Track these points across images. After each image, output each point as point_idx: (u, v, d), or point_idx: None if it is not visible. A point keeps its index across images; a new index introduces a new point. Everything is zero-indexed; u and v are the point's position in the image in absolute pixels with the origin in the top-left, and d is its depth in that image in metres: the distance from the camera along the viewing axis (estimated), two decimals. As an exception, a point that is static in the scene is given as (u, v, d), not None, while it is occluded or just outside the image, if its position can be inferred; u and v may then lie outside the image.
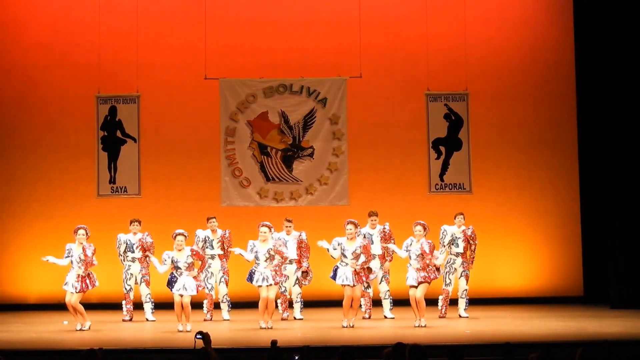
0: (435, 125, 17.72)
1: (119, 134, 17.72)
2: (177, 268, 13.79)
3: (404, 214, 16.82)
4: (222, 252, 15.18)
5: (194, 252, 13.93)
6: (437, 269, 14.07)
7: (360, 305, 14.88)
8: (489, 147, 18.27)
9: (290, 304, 15.16)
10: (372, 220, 14.96)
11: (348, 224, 13.98)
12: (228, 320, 15.06)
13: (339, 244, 13.90)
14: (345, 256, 13.94)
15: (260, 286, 13.74)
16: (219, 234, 15.24)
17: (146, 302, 15.31)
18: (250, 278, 13.93)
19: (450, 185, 17.66)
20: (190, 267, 13.82)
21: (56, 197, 17.80)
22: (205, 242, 15.18)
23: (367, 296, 15.08)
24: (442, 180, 17.69)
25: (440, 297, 15.22)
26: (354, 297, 13.77)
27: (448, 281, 15.13)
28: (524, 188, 18.23)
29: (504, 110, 18.32)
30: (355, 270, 13.78)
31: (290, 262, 14.87)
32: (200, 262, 14.03)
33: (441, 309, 15.10)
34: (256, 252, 13.81)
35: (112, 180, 17.52)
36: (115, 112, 17.67)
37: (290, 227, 15.06)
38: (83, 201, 17.68)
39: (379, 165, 18.18)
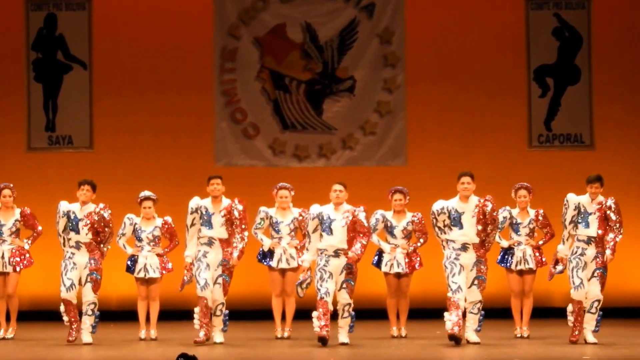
0: (539, 46, 16.27)
1: (60, 56, 16.28)
2: (138, 240, 13.10)
3: (491, 179, 14.57)
4: (226, 237, 12.82)
5: (167, 227, 13.04)
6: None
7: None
8: (621, 79, 16.37)
9: (334, 317, 12.96)
10: (463, 184, 12.26)
11: (395, 192, 13.28)
12: (222, 343, 12.93)
13: (383, 219, 13.19)
14: (393, 235, 13.16)
15: (283, 269, 13.09)
16: (224, 204, 12.87)
17: (88, 314, 12.79)
18: (265, 257, 13.21)
19: (562, 137, 16.18)
20: (156, 243, 13.14)
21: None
22: (203, 215, 12.85)
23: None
24: (549, 129, 16.17)
25: (569, 310, 12.25)
26: (402, 291, 13.07)
27: (578, 282, 12.05)
28: (674, 141, 16.88)
29: (646, 23, 17.06)
30: (407, 253, 13.05)
31: (336, 253, 12.79)
32: (170, 242, 13.26)
33: (574, 329, 12.33)
34: (276, 223, 13.21)
35: (51, 127, 16.17)
36: (55, 23, 16.23)
37: (342, 196, 13.35)
38: (6, 158, 16.32)
39: (452, 106, 16.37)
